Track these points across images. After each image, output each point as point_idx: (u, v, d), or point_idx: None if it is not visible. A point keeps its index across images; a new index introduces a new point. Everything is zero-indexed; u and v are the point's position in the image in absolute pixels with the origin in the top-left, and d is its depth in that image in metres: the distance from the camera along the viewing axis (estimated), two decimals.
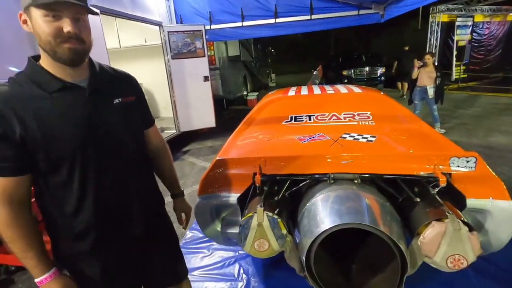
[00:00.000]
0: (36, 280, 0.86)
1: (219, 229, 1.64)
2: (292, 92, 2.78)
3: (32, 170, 0.85)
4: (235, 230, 1.61)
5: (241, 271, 2.03)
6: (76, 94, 0.88)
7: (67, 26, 0.80)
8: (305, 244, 1.28)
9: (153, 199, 1.14)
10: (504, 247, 1.39)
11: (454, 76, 9.83)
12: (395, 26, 16.18)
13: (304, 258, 1.29)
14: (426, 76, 4.59)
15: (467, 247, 1.13)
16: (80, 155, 0.87)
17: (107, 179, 0.93)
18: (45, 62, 0.86)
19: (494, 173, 1.34)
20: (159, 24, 4.74)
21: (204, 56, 5.05)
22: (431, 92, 4.64)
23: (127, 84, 1.05)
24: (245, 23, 5.09)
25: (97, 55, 0.99)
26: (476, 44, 10.16)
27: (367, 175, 1.43)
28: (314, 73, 5.06)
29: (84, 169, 0.88)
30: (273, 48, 15.27)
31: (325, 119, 2.17)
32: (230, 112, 8.30)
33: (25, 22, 0.83)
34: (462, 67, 9.96)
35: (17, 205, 0.83)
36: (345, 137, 1.76)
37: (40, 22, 0.80)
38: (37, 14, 0.79)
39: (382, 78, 9.67)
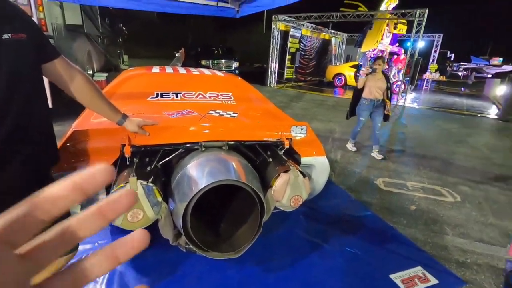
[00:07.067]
0: None
1: (79, 210, 1.43)
2: (156, 69, 2.68)
3: None
4: None
5: None
6: None
7: None
8: (181, 208, 1.34)
9: (41, 153, 1.03)
10: (328, 200, 1.95)
11: (286, 76, 12.26)
12: (245, 28, 18.14)
13: (180, 222, 1.35)
14: (375, 86, 3.70)
15: (302, 189, 1.55)
16: None
17: None
18: None
19: (316, 137, 1.86)
20: None
21: (31, 16, 3.93)
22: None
23: (19, 20, 0.94)
24: None
25: None
26: (303, 53, 12.99)
27: (232, 142, 1.65)
28: (177, 55, 4.98)
29: None
30: (125, 26, 13.62)
31: (192, 97, 2.26)
32: None
33: None
34: (292, 70, 12.63)
35: None
36: (212, 113, 1.92)
37: None
38: None
39: (237, 71, 10.71)
